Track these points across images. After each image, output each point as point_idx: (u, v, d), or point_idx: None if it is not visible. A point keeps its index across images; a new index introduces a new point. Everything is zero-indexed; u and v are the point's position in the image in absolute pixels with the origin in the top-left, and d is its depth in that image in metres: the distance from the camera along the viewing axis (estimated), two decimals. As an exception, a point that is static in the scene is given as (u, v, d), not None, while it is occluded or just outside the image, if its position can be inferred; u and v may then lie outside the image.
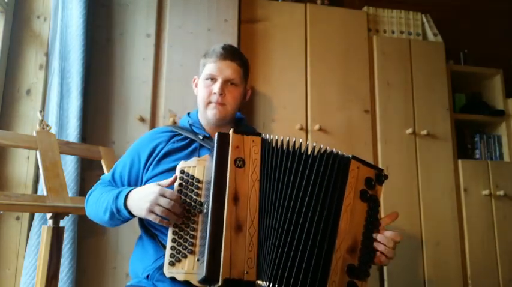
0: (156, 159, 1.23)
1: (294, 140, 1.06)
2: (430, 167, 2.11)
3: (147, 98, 1.83)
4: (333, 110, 2.05)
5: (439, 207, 2.07)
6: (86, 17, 1.75)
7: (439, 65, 2.26)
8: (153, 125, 1.81)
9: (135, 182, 1.24)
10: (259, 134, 1.06)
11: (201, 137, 1.28)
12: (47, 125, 1.55)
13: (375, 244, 1.04)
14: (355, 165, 1.07)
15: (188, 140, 1.28)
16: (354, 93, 2.09)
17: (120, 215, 1.12)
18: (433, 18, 2.39)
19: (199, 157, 1.19)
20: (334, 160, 1.05)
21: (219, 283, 0.90)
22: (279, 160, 1.03)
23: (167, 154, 1.23)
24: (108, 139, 1.77)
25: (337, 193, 1.03)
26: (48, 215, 1.41)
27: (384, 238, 1.03)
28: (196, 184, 1.07)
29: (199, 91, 1.34)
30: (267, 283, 0.93)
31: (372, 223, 1.04)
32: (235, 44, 1.88)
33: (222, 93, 1.28)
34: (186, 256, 1.00)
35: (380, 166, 1.99)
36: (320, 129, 1.99)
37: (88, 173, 1.73)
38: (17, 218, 1.66)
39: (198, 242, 1.01)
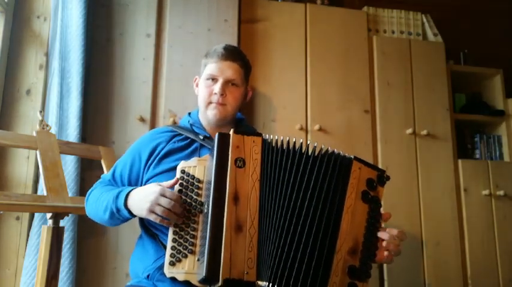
0: (157, 159, 1.23)
1: (294, 140, 1.06)
2: (430, 167, 2.11)
3: (147, 98, 1.83)
4: (333, 110, 2.05)
5: (439, 207, 2.07)
6: (86, 17, 1.75)
7: (439, 65, 2.26)
8: (153, 125, 1.81)
9: (135, 181, 1.24)
10: (259, 134, 1.05)
11: (201, 137, 1.28)
12: (47, 125, 1.55)
13: (379, 234, 1.03)
14: (357, 166, 1.06)
15: (189, 140, 1.28)
16: (354, 93, 2.09)
17: (120, 215, 1.12)
18: (433, 18, 2.39)
19: (199, 157, 1.19)
20: (336, 161, 1.05)
21: (219, 283, 0.90)
22: (279, 160, 1.03)
23: (168, 154, 1.23)
24: (108, 139, 1.77)
25: (338, 194, 1.03)
26: (48, 215, 1.41)
27: (386, 234, 1.03)
28: (196, 184, 1.07)
29: (200, 91, 1.34)
30: (267, 283, 0.92)
31: (373, 225, 1.04)
32: (235, 44, 1.88)
33: (222, 93, 1.28)
34: (186, 256, 1.00)
35: (380, 166, 2.00)
36: (320, 129, 1.99)
37: (88, 173, 1.73)
38: (17, 218, 1.66)
39: (198, 242, 1.01)
